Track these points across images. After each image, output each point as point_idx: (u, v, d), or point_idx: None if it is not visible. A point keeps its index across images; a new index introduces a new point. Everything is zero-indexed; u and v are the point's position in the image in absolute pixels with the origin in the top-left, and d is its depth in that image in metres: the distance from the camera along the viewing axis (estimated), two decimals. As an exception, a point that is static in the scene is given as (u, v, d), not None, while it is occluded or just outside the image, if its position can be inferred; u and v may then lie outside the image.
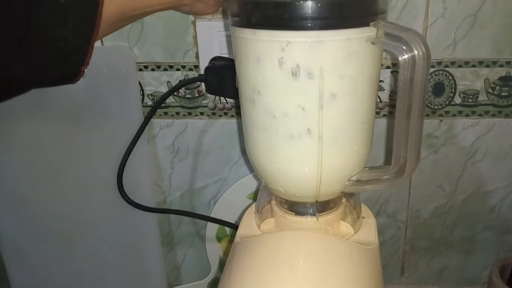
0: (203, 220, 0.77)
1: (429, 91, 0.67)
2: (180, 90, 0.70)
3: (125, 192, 0.70)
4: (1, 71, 0.36)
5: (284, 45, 0.40)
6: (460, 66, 0.66)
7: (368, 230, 0.52)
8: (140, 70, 0.69)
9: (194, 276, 0.84)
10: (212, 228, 0.78)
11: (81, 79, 0.43)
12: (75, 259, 0.79)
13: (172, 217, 0.80)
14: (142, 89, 0.71)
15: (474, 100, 0.68)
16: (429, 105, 0.68)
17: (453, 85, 0.67)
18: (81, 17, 0.38)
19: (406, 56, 0.38)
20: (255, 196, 0.74)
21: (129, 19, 0.47)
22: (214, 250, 0.79)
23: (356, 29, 0.40)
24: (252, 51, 0.42)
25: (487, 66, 0.65)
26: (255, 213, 0.55)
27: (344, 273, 0.45)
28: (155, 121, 0.73)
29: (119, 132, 0.70)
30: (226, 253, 0.79)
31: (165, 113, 0.72)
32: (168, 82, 0.70)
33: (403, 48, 0.38)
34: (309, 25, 0.39)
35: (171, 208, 0.79)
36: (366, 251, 0.48)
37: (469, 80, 0.66)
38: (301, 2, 0.39)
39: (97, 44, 0.68)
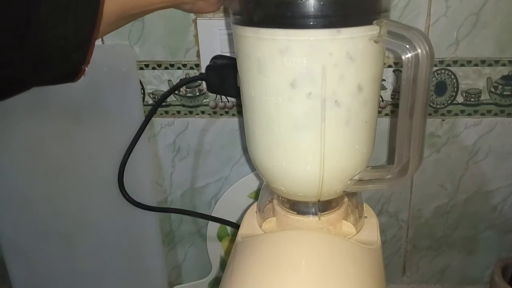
0: (204, 219, 0.77)
1: (431, 90, 0.67)
2: (181, 89, 0.70)
3: (126, 191, 0.70)
4: (1, 69, 0.36)
5: (286, 44, 0.40)
6: (462, 65, 0.65)
7: (370, 230, 0.52)
8: (141, 68, 0.69)
9: (195, 275, 0.84)
10: (213, 227, 0.78)
11: (82, 77, 0.42)
12: (75, 258, 0.79)
13: (173, 216, 0.80)
14: (143, 88, 0.70)
15: (476, 99, 0.67)
16: (431, 104, 0.68)
17: (456, 84, 0.67)
18: (82, 15, 0.38)
19: (409, 55, 0.38)
20: (256, 195, 0.74)
21: (130, 17, 0.46)
22: (215, 249, 0.79)
23: (359, 27, 0.40)
24: (254, 50, 0.42)
25: (490, 65, 0.65)
26: (256, 212, 0.54)
27: (346, 273, 0.45)
28: (156, 120, 0.72)
29: (119, 131, 0.69)
30: (227, 252, 0.79)
31: (166, 112, 0.72)
32: (169, 80, 0.70)
33: (406, 47, 0.38)
34: (311, 23, 0.39)
35: (172, 207, 0.79)
36: (368, 250, 0.48)
37: (471, 79, 0.66)
38: (304, 0, 0.38)
39: (98, 42, 0.68)
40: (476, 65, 0.65)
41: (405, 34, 0.38)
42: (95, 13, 0.39)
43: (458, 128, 0.69)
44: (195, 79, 0.68)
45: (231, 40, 0.46)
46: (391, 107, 0.69)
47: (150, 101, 0.71)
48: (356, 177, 0.47)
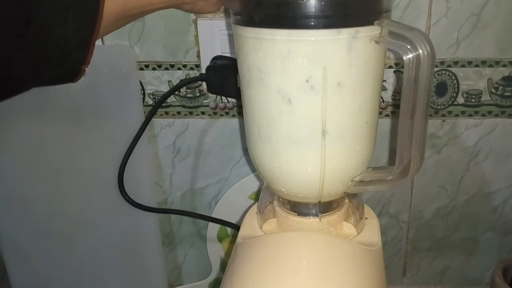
0: (204, 220, 0.77)
1: (432, 91, 0.67)
2: (181, 90, 0.70)
3: (125, 192, 0.69)
4: (1, 70, 0.36)
5: (287, 44, 0.40)
6: (463, 66, 0.65)
7: (371, 231, 0.52)
8: (141, 69, 0.69)
9: (195, 277, 0.84)
10: (213, 228, 0.77)
11: (82, 78, 0.42)
12: (75, 259, 0.79)
13: (173, 217, 0.80)
14: (143, 88, 0.70)
15: (477, 100, 0.67)
16: (432, 105, 0.68)
17: (456, 85, 0.67)
18: (82, 16, 0.38)
19: (410, 56, 0.38)
20: (256, 196, 0.74)
21: (130, 17, 0.46)
22: (215, 251, 0.79)
23: (360, 28, 0.39)
24: (254, 50, 0.42)
25: (490, 66, 0.65)
26: (257, 213, 0.54)
27: (347, 274, 0.45)
28: (156, 120, 0.72)
29: (119, 131, 0.69)
30: (227, 253, 0.79)
31: (166, 113, 0.72)
32: (169, 81, 0.69)
33: (407, 47, 0.38)
34: (312, 23, 0.39)
35: (172, 208, 0.79)
36: (369, 252, 0.48)
37: (472, 80, 0.66)
38: (304, 0, 0.38)
39: (98, 43, 0.67)
40: (476, 66, 0.65)
41: (406, 34, 0.38)
42: (95, 13, 0.38)
43: (458, 129, 0.69)
44: (195, 79, 0.68)
45: (232, 40, 0.46)
46: (392, 107, 0.69)
47: (150, 102, 0.71)
48: (357, 178, 0.47)
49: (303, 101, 0.42)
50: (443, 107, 0.68)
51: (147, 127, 0.68)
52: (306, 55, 0.40)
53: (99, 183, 0.73)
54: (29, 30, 0.35)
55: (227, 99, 0.70)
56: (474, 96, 0.67)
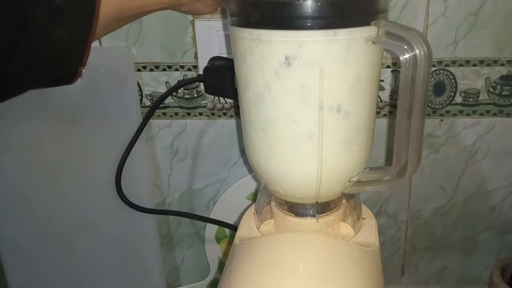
0: (202, 221, 0.77)
1: (429, 91, 0.67)
2: (179, 91, 0.70)
3: (123, 194, 0.69)
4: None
5: (283, 45, 0.40)
6: (461, 65, 0.65)
7: (369, 231, 0.52)
8: (139, 70, 0.69)
9: (194, 277, 0.84)
10: (211, 229, 0.77)
11: (79, 79, 0.42)
12: (74, 260, 0.79)
13: (171, 218, 0.80)
14: (140, 90, 0.70)
15: (475, 99, 0.67)
16: (430, 104, 0.68)
17: (454, 85, 0.67)
18: (78, 18, 0.38)
19: (407, 56, 0.38)
20: (254, 197, 0.74)
21: (127, 19, 0.46)
22: (214, 251, 0.79)
23: (356, 28, 0.39)
24: (251, 51, 0.42)
25: (488, 65, 0.65)
26: (254, 214, 0.54)
27: (345, 275, 0.45)
28: (153, 121, 0.72)
29: (117, 132, 0.69)
30: (226, 254, 0.79)
31: (164, 114, 0.72)
32: (166, 82, 0.69)
33: (404, 48, 0.38)
34: (308, 24, 0.39)
35: (170, 209, 0.79)
36: (366, 252, 0.48)
37: (470, 79, 0.66)
38: (301, 1, 0.38)
39: (95, 44, 0.67)
40: (474, 65, 0.65)
41: (403, 34, 0.38)
42: (91, 15, 0.38)
43: (456, 128, 0.69)
44: (193, 80, 0.68)
45: (229, 41, 0.46)
46: (389, 107, 0.69)
47: (148, 103, 0.71)
48: (354, 179, 0.47)
49: (300, 101, 0.41)
50: (441, 106, 0.68)
51: (145, 128, 0.68)
52: (303, 56, 0.40)
53: (97, 184, 0.73)
54: (25, 32, 0.35)
55: (224, 100, 0.70)
56: (472, 96, 0.67)
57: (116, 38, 0.67)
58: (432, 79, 0.66)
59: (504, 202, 0.74)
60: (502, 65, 0.65)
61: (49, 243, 0.78)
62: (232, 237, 0.76)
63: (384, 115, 0.69)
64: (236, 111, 0.70)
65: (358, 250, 0.47)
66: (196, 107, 0.71)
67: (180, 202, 0.78)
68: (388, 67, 0.66)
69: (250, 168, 0.72)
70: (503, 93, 0.67)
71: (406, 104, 0.40)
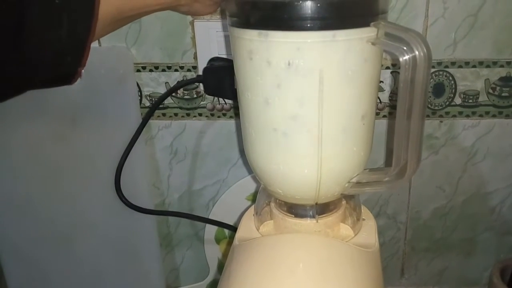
0: (201, 222, 0.77)
1: (429, 92, 0.67)
2: (179, 91, 0.70)
3: (123, 194, 0.69)
4: (-4, 72, 0.36)
5: (283, 46, 0.40)
6: (460, 66, 0.65)
7: (368, 232, 0.51)
8: (138, 71, 0.69)
9: (193, 278, 0.84)
10: (210, 230, 0.77)
11: (79, 80, 0.42)
12: (73, 261, 0.79)
13: (171, 218, 0.80)
14: (140, 90, 0.70)
15: (474, 100, 0.67)
16: (429, 105, 0.68)
17: (453, 86, 0.67)
18: (77, 18, 0.38)
19: (407, 57, 0.38)
20: (254, 198, 0.73)
21: (126, 19, 0.46)
22: (213, 252, 0.79)
23: (356, 29, 0.39)
24: (251, 52, 0.42)
25: (488, 66, 0.65)
26: (254, 215, 0.54)
27: (344, 276, 0.44)
28: (153, 122, 0.72)
29: (117, 133, 0.69)
30: (225, 254, 0.79)
31: (163, 114, 0.72)
32: (166, 83, 0.69)
33: (403, 49, 0.38)
34: (308, 25, 0.39)
35: (169, 209, 0.79)
36: (366, 253, 0.48)
37: (469, 81, 0.66)
38: (300, 2, 0.38)
39: (95, 44, 0.67)
40: (474, 66, 0.65)
41: (403, 36, 0.38)
42: (90, 15, 0.38)
43: (456, 129, 0.69)
44: (192, 81, 0.68)
45: (228, 42, 0.46)
46: (389, 108, 0.69)
47: (147, 104, 0.71)
48: (354, 180, 0.47)
49: (299, 102, 0.41)
50: (440, 107, 0.68)
51: (144, 129, 0.68)
52: (302, 57, 0.39)
53: (97, 184, 0.73)
54: (23, 33, 0.35)
55: (224, 101, 0.70)
56: (471, 97, 0.67)
57: (116, 38, 0.66)
58: (432, 80, 0.66)
59: (504, 203, 0.74)
60: (502, 66, 0.65)
61: (48, 243, 0.78)
62: (231, 237, 0.76)
63: (384, 116, 0.69)
64: (236, 112, 0.70)
65: (357, 251, 0.47)
66: (195, 108, 0.71)
67: (179, 203, 0.78)
68: (387, 68, 0.66)
69: (249, 169, 0.72)
70: (503, 94, 0.67)
71: (406, 105, 0.40)
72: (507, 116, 0.68)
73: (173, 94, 0.70)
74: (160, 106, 0.70)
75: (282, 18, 0.39)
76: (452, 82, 0.66)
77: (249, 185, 0.73)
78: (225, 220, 0.73)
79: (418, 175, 0.73)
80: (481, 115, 0.68)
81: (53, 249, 0.78)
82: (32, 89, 0.40)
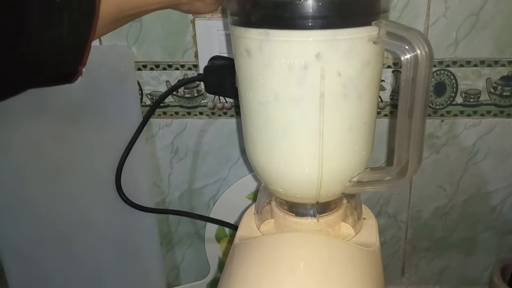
0: (202, 220, 0.77)
1: (430, 91, 0.67)
2: (179, 90, 0.70)
3: (123, 193, 0.69)
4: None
5: (284, 45, 0.40)
6: (461, 65, 0.65)
7: (369, 232, 0.51)
8: (139, 69, 0.69)
9: (193, 277, 0.84)
10: (211, 228, 0.77)
11: (80, 78, 0.42)
12: (73, 260, 0.79)
13: (171, 217, 0.80)
14: (140, 89, 0.70)
15: (475, 100, 0.67)
16: (431, 105, 0.68)
17: (455, 85, 0.66)
18: (78, 17, 0.38)
19: (408, 56, 0.38)
20: (254, 196, 0.73)
21: (126, 18, 0.46)
22: (214, 250, 0.79)
23: (357, 28, 0.39)
24: (252, 51, 0.42)
25: (489, 65, 0.65)
26: (254, 214, 0.54)
27: (345, 275, 0.44)
28: (154, 120, 0.72)
29: (117, 131, 0.69)
30: (226, 253, 0.79)
31: (164, 113, 0.72)
32: (167, 81, 0.69)
33: (405, 48, 0.38)
34: (310, 24, 0.39)
35: (170, 208, 0.79)
36: (367, 252, 0.48)
37: (470, 80, 0.66)
38: (302, 1, 0.38)
39: (96, 43, 0.67)
40: (475, 65, 0.65)
41: (404, 35, 0.38)
42: (91, 14, 0.38)
43: (457, 129, 0.69)
44: (193, 80, 0.68)
45: (229, 40, 0.46)
46: (390, 107, 0.69)
47: (148, 102, 0.71)
48: (355, 179, 0.47)
49: (300, 101, 0.41)
50: (441, 107, 0.68)
51: (145, 127, 0.68)
52: (304, 56, 0.39)
53: (97, 183, 0.73)
54: (23, 32, 0.34)
55: (225, 99, 0.70)
56: (472, 96, 0.67)
57: (117, 37, 0.66)
58: (433, 79, 0.66)
59: (505, 203, 0.74)
60: (503, 65, 0.65)
61: (49, 242, 0.78)
62: (232, 236, 0.76)
63: (385, 115, 0.69)
64: (237, 111, 0.70)
65: (358, 250, 0.47)
66: (196, 107, 0.71)
67: (180, 201, 0.78)
68: (389, 67, 0.66)
69: (250, 167, 0.72)
70: (504, 93, 0.66)
71: (407, 104, 0.40)
72: (509, 116, 0.68)
73: (174, 92, 0.70)
74: (161, 104, 0.70)
75: (283, 17, 0.39)
76: (454, 81, 0.66)
77: (250, 184, 0.73)
78: (226, 218, 0.73)
79: (419, 174, 0.73)
80: (482, 115, 0.68)
81: (54, 248, 0.78)
82: (33, 88, 0.40)
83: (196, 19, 0.65)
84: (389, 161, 0.72)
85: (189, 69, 0.68)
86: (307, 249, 0.46)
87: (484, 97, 0.67)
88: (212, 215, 0.75)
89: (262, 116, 0.44)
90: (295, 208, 0.50)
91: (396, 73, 0.66)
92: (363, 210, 0.53)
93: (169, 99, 0.71)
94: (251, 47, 0.41)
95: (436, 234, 0.77)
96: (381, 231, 0.77)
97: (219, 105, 0.70)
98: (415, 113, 0.40)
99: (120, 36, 0.66)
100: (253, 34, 0.41)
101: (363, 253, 0.48)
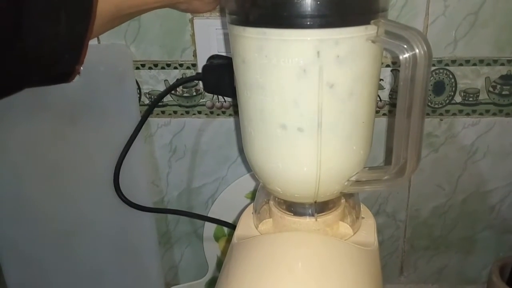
0: (200, 219, 0.77)
1: (429, 90, 0.67)
2: (178, 89, 0.70)
3: (121, 192, 0.69)
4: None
5: (282, 44, 0.39)
6: (460, 64, 0.65)
7: (368, 231, 0.51)
8: (137, 68, 0.68)
9: (192, 276, 0.84)
10: (209, 228, 0.77)
11: (78, 77, 0.42)
12: (72, 259, 0.79)
13: (170, 216, 0.80)
14: (139, 88, 0.70)
15: (474, 99, 0.67)
16: (429, 104, 0.68)
17: (454, 84, 0.66)
18: (75, 16, 0.38)
19: (407, 55, 0.38)
20: (253, 196, 0.73)
21: (124, 17, 0.46)
22: (212, 250, 0.79)
23: (356, 27, 0.39)
24: (250, 50, 0.42)
25: (488, 64, 0.65)
26: (253, 213, 0.54)
27: (343, 275, 0.44)
28: (152, 120, 0.72)
29: (116, 131, 0.69)
30: (224, 252, 0.78)
31: (163, 112, 0.71)
32: (165, 80, 0.69)
33: (404, 47, 0.38)
34: (308, 23, 0.38)
35: (168, 207, 0.79)
36: (365, 252, 0.48)
37: (469, 79, 0.66)
38: (300, 0, 0.38)
39: (94, 42, 0.67)
40: (474, 64, 0.65)
41: (403, 34, 0.38)
42: (88, 13, 0.38)
43: (456, 128, 0.69)
44: (191, 79, 0.68)
45: (228, 39, 0.46)
46: (389, 107, 0.69)
47: (147, 101, 0.71)
48: (353, 178, 0.47)
49: (298, 100, 0.41)
50: (440, 106, 0.68)
51: (143, 127, 0.67)
52: (302, 55, 0.39)
53: (96, 182, 0.73)
54: (20, 30, 0.34)
55: (223, 98, 0.70)
56: (471, 95, 0.67)
57: (115, 36, 0.66)
58: (432, 78, 0.66)
59: (503, 202, 0.74)
60: (502, 64, 0.65)
61: (47, 241, 0.78)
62: (230, 235, 0.76)
63: (384, 114, 0.69)
64: (235, 110, 0.70)
65: (357, 249, 0.47)
66: (195, 106, 0.71)
67: (178, 201, 0.78)
68: (387, 66, 0.66)
69: (249, 167, 0.72)
70: (503, 92, 0.66)
71: (406, 104, 0.40)
72: (508, 115, 0.68)
73: (172, 91, 0.70)
74: (159, 103, 0.70)
75: (281, 16, 0.39)
76: (453, 80, 0.66)
77: (248, 183, 0.73)
78: (224, 218, 0.73)
79: (417, 173, 0.73)
80: (481, 114, 0.68)
81: (52, 247, 0.78)
82: (30, 87, 0.40)
83: (194, 18, 0.64)
84: (388, 160, 0.72)
85: (188, 68, 0.68)
86: (305, 249, 0.46)
87: (483, 96, 0.67)
88: (210, 215, 0.75)
89: (260, 115, 0.44)
90: (293, 208, 0.50)
91: (395, 72, 0.66)
92: (361, 209, 0.53)
93: (168, 98, 0.70)
94: (249, 46, 0.41)
95: (434, 233, 0.77)
96: (380, 230, 0.77)
97: (217, 104, 0.70)
98: (413, 112, 0.40)
99: (119, 35, 0.66)
100: (251, 33, 0.40)
101: (362, 253, 0.47)
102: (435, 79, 0.66)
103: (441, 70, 0.66)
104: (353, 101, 0.43)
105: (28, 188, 0.74)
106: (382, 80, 0.66)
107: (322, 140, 0.43)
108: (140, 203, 0.71)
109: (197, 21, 0.64)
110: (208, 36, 0.65)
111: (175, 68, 0.68)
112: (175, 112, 0.71)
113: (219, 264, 0.79)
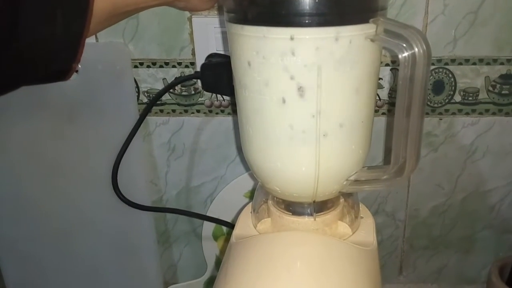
0: (199, 219, 0.76)
1: (428, 89, 0.67)
2: (176, 87, 0.69)
3: (120, 191, 0.69)
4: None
5: (280, 42, 0.39)
6: (460, 63, 0.65)
7: (367, 231, 0.51)
8: (136, 67, 0.68)
9: (191, 275, 0.84)
10: (208, 227, 0.77)
11: (76, 76, 0.42)
12: (70, 258, 0.79)
13: (168, 215, 0.80)
14: (137, 86, 0.70)
15: (474, 98, 0.67)
16: (429, 103, 0.68)
17: (453, 83, 0.66)
18: (71, 14, 0.37)
19: (406, 54, 0.37)
20: (252, 195, 0.73)
21: (122, 15, 0.46)
22: (211, 249, 0.79)
23: (355, 26, 0.39)
24: (248, 48, 0.41)
25: (488, 63, 0.65)
26: (251, 212, 0.54)
27: (342, 274, 0.44)
28: (150, 118, 0.72)
29: (114, 129, 0.69)
30: (223, 251, 0.78)
31: (161, 111, 0.71)
32: (164, 79, 0.69)
33: (403, 46, 0.37)
34: (306, 22, 0.38)
35: (167, 206, 0.78)
36: (364, 252, 0.48)
37: (469, 78, 0.66)
38: (299, -2, 0.38)
39: (92, 40, 0.67)
40: (474, 63, 0.65)
41: (402, 32, 0.38)
42: (85, 11, 0.38)
43: (455, 127, 0.69)
44: (190, 77, 0.68)
45: (226, 38, 0.46)
46: (388, 106, 0.68)
47: (145, 100, 0.70)
48: (352, 178, 0.47)
49: (297, 99, 0.41)
50: (440, 105, 0.68)
51: (142, 125, 0.67)
52: (300, 53, 0.39)
53: (94, 181, 0.72)
54: (17, 28, 0.34)
55: (222, 97, 0.70)
56: (471, 94, 0.67)
57: (113, 34, 0.66)
58: (431, 77, 0.66)
59: (503, 202, 0.74)
60: (502, 63, 0.64)
61: (46, 240, 0.77)
62: (229, 234, 0.76)
63: (383, 113, 0.69)
64: (234, 109, 0.70)
65: (355, 249, 0.47)
66: (193, 104, 0.70)
67: (177, 200, 0.78)
68: (387, 65, 0.66)
69: (247, 166, 0.72)
70: (503, 92, 0.66)
71: (405, 103, 0.40)
72: (507, 114, 0.67)
73: (171, 90, 0.69)
74: (158, 102, 0.70)
75: (280, 14, 0.39)
76: (452, 79, 0.66)
77: (247, 182, 0.73)
78: (223, 217, 0.73)
79: (417, 173, 0.72)
80: (481, 113, 0.68)
81: (50, 246, 0.78)
82: (26, 85, 0.40)
83: (193, 16, 0.64)
84: (387, 159, 0.72)
85: (186, 66, 0.68)
86: (303, 248, 0.45)
87: (482, 96, 0.67)
88: (209, 214, 0.75)
89: (258, 115, 0.43)
90: (292, 207, 0.49)
91: (394, 71, 0.66)
92: (360, 208, 0.53)
93: (166, 97, 0.70)
94: (248, 45, 0.41)
95: (434, 232, 0.77)
96: (379, 230, 0.77)
97: (216, 103, 0.70)
98: (413, 111, 0.40)
99: (117, 33, 0.66)
100: (249, 31, 0.40)
101: (360, 252, 0.47)
102: (434, 78, 0.66)
103: (440, 69, 0.65)
104: (352, 100, 0.42)
105: (26, 186, 0.74)
106: (381, 79, 0.66)
107: (321, 139, 0.42)
108: (139, 202, 0.71)
109: (196, 20, 0.64)
110: (206, 34, 0.65)
111: (174, 66, 0.68)
112: (173, 110, 0.71)
113: (218, 263, 0.79)
